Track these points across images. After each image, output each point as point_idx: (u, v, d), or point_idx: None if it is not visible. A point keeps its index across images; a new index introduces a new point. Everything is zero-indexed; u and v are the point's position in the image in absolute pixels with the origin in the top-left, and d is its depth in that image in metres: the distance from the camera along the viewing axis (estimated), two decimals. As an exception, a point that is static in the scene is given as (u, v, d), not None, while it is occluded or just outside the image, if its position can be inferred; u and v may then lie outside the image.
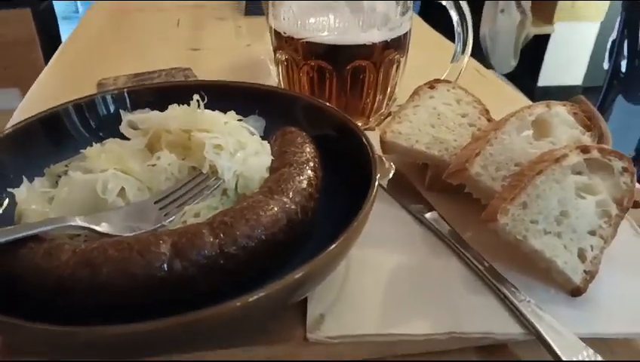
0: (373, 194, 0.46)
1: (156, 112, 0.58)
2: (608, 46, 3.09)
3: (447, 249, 0.53)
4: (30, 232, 0.43)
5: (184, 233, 0.44)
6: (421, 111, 0.64)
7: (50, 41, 2.29)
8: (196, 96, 0.56)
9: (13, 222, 0.50)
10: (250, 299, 0.37)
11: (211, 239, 0.44)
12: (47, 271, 0.41)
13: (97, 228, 0.46)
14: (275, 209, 0.47)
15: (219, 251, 0.43)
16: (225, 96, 0.63)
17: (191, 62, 1.02)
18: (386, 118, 0.79)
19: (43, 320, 0.38)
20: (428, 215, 0.56)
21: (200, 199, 0.51)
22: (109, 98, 0.62)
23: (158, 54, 1.09)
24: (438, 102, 0.65)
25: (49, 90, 0.97)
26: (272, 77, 0.99)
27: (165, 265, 0.42)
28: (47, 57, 2.18)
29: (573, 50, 3.30)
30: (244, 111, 0.63)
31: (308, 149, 0.56)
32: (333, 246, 0.41)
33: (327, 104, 0.62)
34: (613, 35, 2.86)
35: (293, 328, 0.45)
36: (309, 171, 0.53)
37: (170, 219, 0.49)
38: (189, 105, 0.57)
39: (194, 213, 0.50)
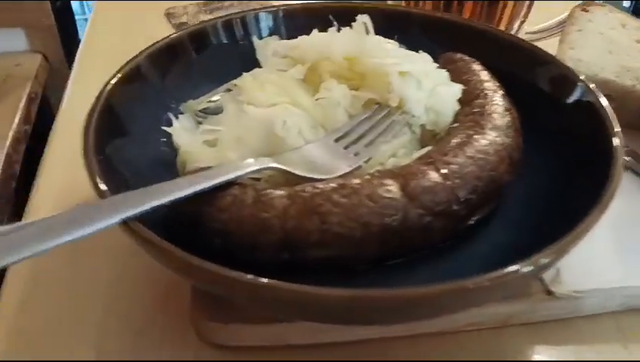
0: (619, 152, 0.39)
1: (307, 38, 0.50)
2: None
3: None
4: (230, 177, 0.36)
5: (409, 175, 0.37)
6: (588, 36, 0.57)
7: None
8: (362, 17, 0.48)
9: (177, 167, 0.43)
10: (502, 279, 0.30)
11: (442, 181, 0.37)
12: (264, 223, 0.34)
13: (296, 171, 0.39)
14: (495, 145, 0.40)
15: (452, 196, 0.37)
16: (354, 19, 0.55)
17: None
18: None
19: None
20: (621, 152, 0.50)
21: (389, 137, 0.43)
22: (262, 16, 0.53)
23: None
24: (602, 27, 0.58)
25: (112, 21, 0.86)
26: None
27: (400, 214, 0.35)
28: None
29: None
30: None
31: (491, 77, 0.48)
32: (593, 213, 0.34)
33: (491, 26, 0.54)
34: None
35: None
36: (506, 102, 0.46)
37: (365, 159, 0.42)
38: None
39: (389, 154, 0.43)
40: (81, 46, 0.79)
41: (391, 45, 0.49)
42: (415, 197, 0.36)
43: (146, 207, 0.32)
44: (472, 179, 0.38)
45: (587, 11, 0.61)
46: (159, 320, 0.39)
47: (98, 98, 0.41)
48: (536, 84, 0.49)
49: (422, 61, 0.47)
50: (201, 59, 0.52)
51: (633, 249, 0.42)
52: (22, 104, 1.21)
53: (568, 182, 0.41)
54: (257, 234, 0.34)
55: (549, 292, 0.38)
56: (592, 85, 0.44)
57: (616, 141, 0.39)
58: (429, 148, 0.42)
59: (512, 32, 0.69)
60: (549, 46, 0.59)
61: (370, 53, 0.46)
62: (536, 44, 0.66)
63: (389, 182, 0.36)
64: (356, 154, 0.42)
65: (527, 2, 0.67)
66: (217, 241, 0.35)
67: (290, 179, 0.39)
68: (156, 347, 0.37)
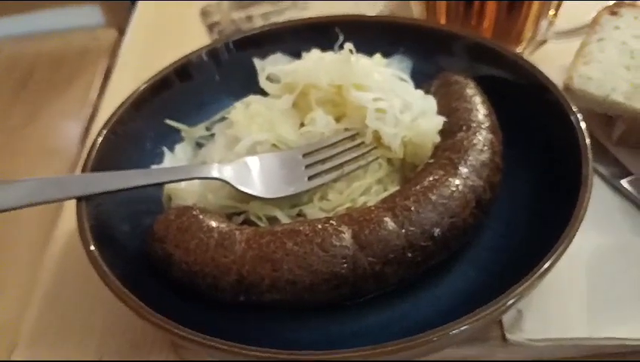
0: (589, 182, 0.38)
1: (300, 63, 0.51)
2: None
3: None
4: (174, 178, 0.43)
5: (365, 222, 0.38)
6: (609, 47, 0.53)
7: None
8: (349, 46, 0.48)
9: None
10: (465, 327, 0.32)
11: (396, 229, 0.38)
12: (224, 267, 0.37)
13: (239, 186, 0.43)
14: (462, 187, 0.40)
15: (406, 244, 0.38)
16: (361, 32, 0.55)
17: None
18: (540, 45, 0.67)
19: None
20: (625, 181, 0.47)
21: (355, 167, 0.44)
22: (234, 44, 0.55)
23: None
24: (627, 35, 0.53)
25: (149, 21, 0.91)
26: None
27: (350, 262, 0.37)
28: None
29: None
30: (385, 51, 0.54)
31: (482, 105, 0.47)
32: (554, 255, 0.35)
33: (498, 44, 0.52)
34: None
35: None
36: (490, 135, 0.45)
37: (318, 184, 0.44)
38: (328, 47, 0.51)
39: (363, 189, 0.44)
40: (125, 39, 0.85)
41: (379, 73, 0.48)
42: (366, 245, 0.37)
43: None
44: (428, 225, 0.38)
45: (616, 14, 0.56)
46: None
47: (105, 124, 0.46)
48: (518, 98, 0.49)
49: (406, 93, 0.47)
50: (207, 82, 0.55)
51: (610, 292, 0.41)
52: (98, 78, 1.30)
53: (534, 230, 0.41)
54: (217, 276, 0.38)
55: (505, 338, 0.39)
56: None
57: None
58: (397, 188, 0.42)
59: (540, 33, 0.65)
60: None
61: (352, 81, 0.47)
62: (564, 44, 0.63)
63: (343, 228, 0.38)
64: (311, 178, 0.44)
65: (556, 4, 0.62)
66: (185, 279, 0.39)
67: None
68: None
